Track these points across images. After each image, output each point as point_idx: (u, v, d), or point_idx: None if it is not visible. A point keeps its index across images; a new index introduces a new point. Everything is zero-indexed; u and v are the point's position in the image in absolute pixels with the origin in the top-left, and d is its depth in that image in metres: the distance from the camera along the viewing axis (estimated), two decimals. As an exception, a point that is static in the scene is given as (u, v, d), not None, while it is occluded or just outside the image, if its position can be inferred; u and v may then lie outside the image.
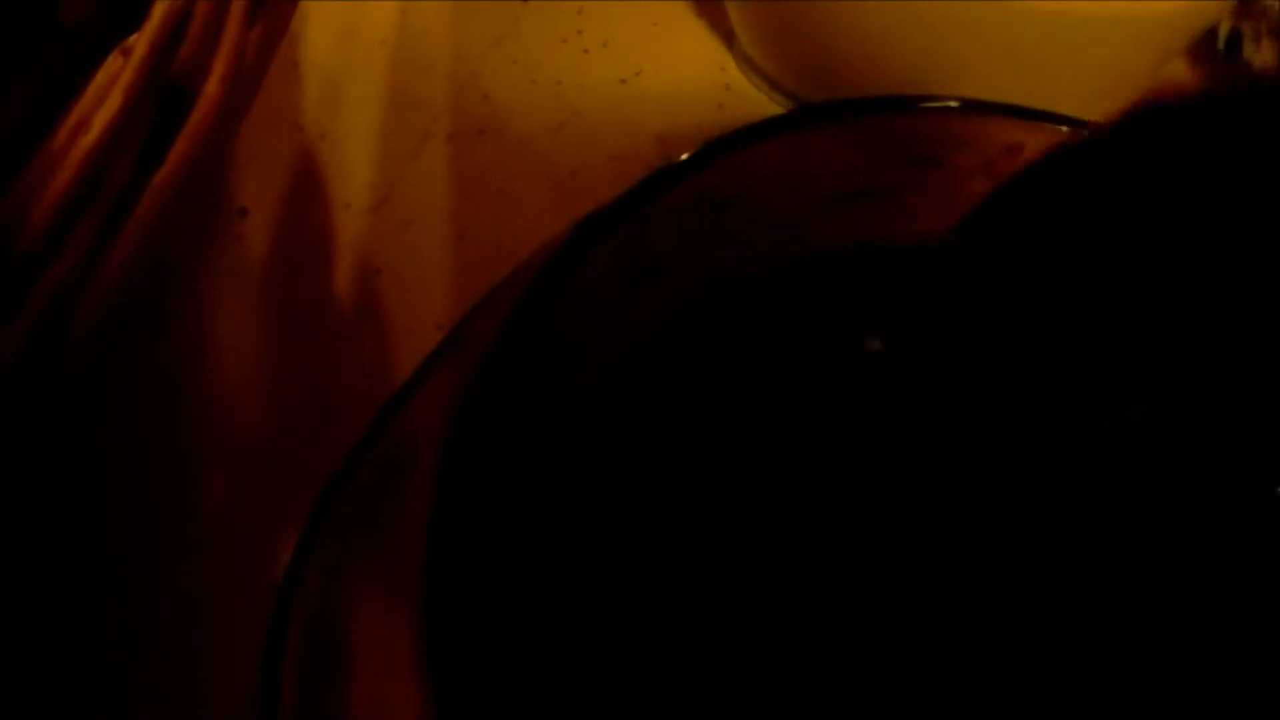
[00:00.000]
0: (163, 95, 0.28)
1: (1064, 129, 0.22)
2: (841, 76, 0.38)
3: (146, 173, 0.28)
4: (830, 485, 0.23)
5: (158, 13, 0.28)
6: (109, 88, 0.27)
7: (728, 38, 0.41)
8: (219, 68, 0.29)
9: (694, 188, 0.21)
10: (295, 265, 0.35)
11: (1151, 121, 0.19)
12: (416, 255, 0.36)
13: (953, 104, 0.22)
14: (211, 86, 0.29)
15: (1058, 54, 0.36)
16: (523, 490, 0.21)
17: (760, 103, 0.40)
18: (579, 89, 0.39)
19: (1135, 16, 0.34)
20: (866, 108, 0.22)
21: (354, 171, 0.36)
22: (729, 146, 0.21)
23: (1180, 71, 0.40)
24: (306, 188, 0.36)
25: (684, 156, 0.21)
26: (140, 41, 0.28)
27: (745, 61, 0.40)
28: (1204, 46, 0.40)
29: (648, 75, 0.40)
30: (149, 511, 0.30)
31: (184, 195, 0.28)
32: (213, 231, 0.34)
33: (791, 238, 0.23)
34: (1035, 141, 0.22)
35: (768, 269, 0.23)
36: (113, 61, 0.28)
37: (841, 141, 0.22)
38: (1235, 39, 0.38)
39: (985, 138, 0.22)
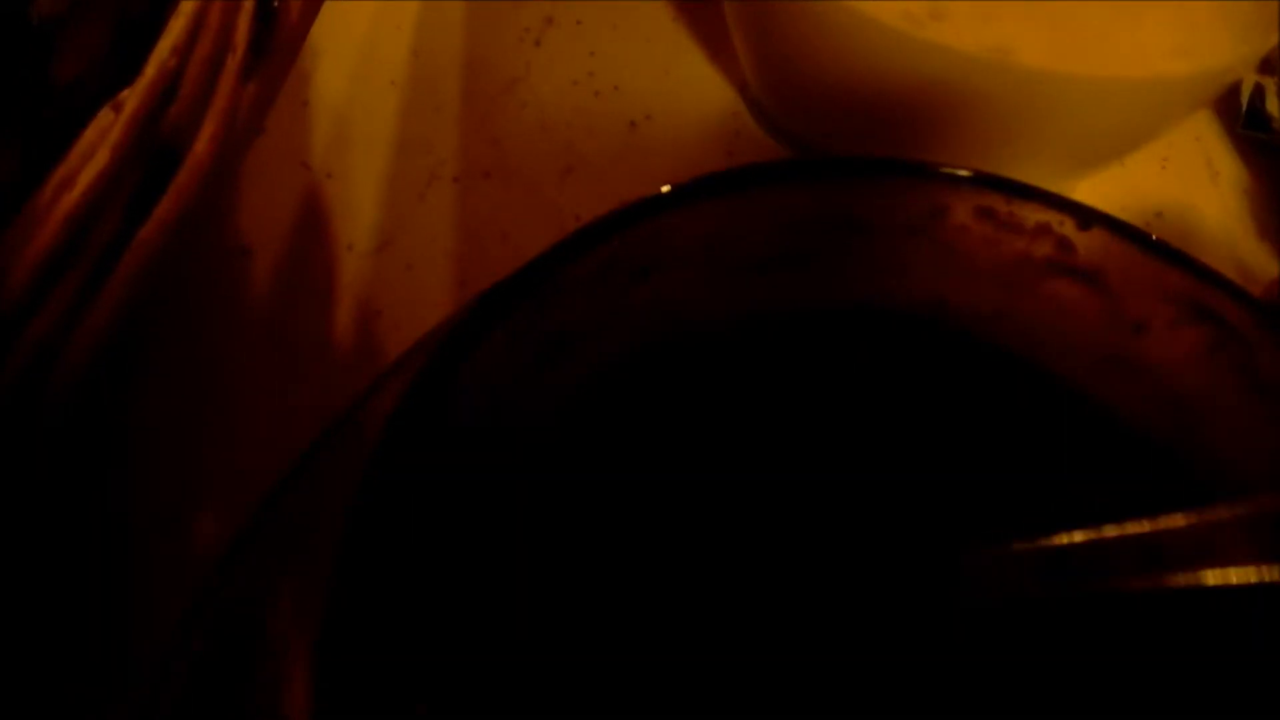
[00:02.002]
0: (151, 154, 0.29)
1: (994, 192, 0.21)
2: (852, 127, 0.38)
3: (131, 231, 0.28)
4: (747, 558, 0.23)
5: (150, 70, 0.29)
6: (98, 144, 0.28)
7: (740, 84, 0.41)
8: (209, 127, 0.30)
9: (608, 255, 0.21)
10: (296, 305, 0.35)
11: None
12: (418, 298, 0.36)
13: (875, 164, 0.21)
14: (200, 146, 0.29)
15: (1071, 116, 0.35)
16: (422, 569, 0.21)
17: (770, 150, 0.40)
18: (588, 133, 0.39)
19: (1154, 81, 0.33)
20: (784, 172, 0.21)
21: (359, 212, 0.37)
22: (642, 213, 0.21)
23: (1202, 126, 0.39)
24: (310, 227, 0.36)
25: (593, 220, 0.21)
26: (131, 99, 0.28)
27: (756, 108, 0.40)
28: (1227, 101, 0.39)
29: (658, 119, 0.40)
30: (140, 553, 0.30)
31: (169, 252, 0.29)
32: (214, 269, 0.35)
33: (715, 305, 0.23)
34: (960, 203, 0.21)
35: (691, 335, 0.23)
36: (104, 116, 0.29)
37: (762, 206, 0.22)
38: (1259, 94, 0.37)
39: (910, 201, 0.22)
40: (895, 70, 0.35)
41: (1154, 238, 0.21)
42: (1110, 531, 0.20)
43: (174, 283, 0.33)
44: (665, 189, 0.21)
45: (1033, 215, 0.21)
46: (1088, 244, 0.21)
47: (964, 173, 0.21)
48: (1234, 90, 0.38)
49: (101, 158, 0.27)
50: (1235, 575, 0.18)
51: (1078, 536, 0.20)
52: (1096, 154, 0.37)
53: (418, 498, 0.19)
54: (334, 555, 0.18)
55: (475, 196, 0.38)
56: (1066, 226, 0.21)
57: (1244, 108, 0.38)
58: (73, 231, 0.26)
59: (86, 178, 0.27)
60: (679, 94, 0.40)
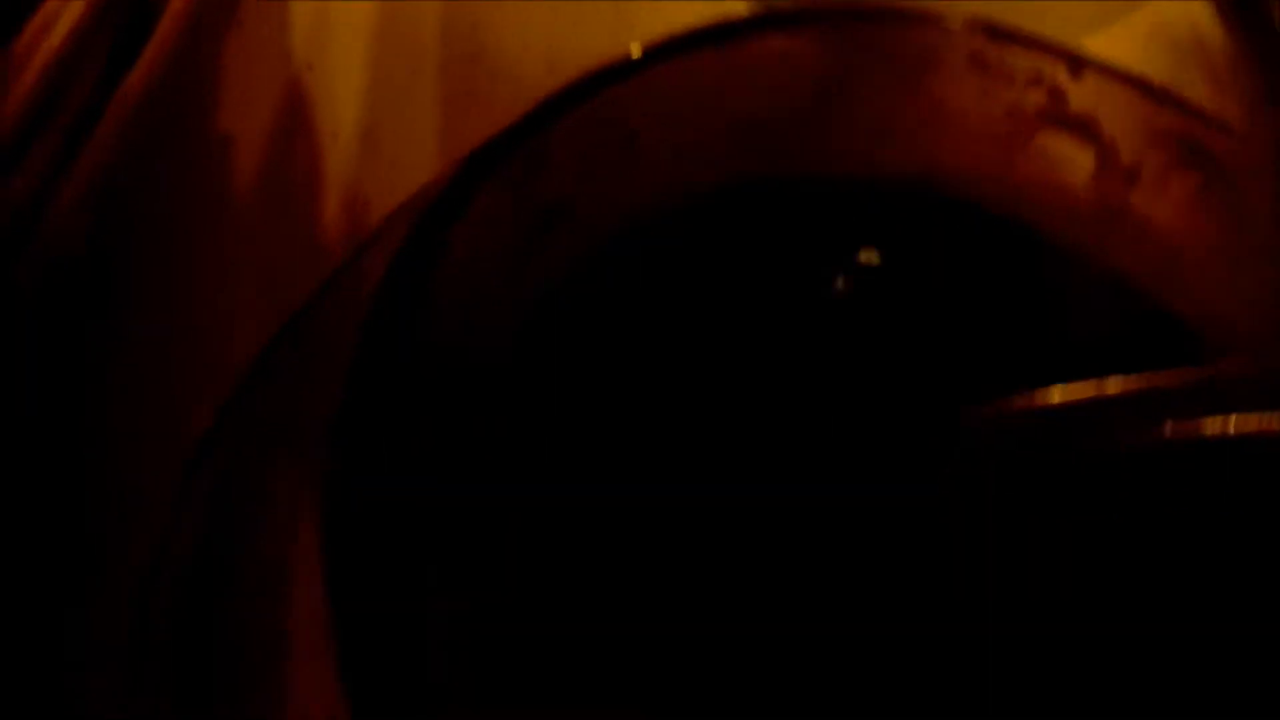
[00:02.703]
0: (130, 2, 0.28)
1: (987, 37, 0.21)
2: None
3: (114, 82, 0.28)
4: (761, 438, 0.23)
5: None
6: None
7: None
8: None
9: (597, 112, 0.21)
10: (281, 197, 0.35)
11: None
12: (404, 187, 0.36)
13: (865, 12, 0.21)
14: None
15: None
16: (419, 439, 0.21)
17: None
18: (573, 19, 0.39)
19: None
20: (769, 22, 0.21)
21: (342, 102, 0.37)
22: (627, 69, 0.21)
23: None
24: (293, 118, 0.36)
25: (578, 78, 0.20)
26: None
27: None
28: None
29: (646, 3, 0.39)
30: (129, 442, 0.30)
31: (156, 111, 0.28)
32: (197, 161, 0.34)
33: (704, 171, 0.23)
34: (951, 51, 0.21)
35: (683, 203, 0.23)
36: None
37: (748, 59, 0.21)
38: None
39: (902, 49, 0.21)
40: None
41: (1144, 80, 0.20)
42: (1110, 387, 0.20)
43: (158, 167, 0.32)
44: (649, 44, 0.21)
45: (1025, 63, 0.21)
46: (1080, 91, 0.21)
47: (955, 17, 0.21)
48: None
49: (78, 4, 0.27)
50: (1235, 427, 0.18)
51: (1076, 393, 0.20)
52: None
53: (414, 357, 0.19)
54: (341, 395, 0.18)
55: (460, 84, 0.37)
56: (1059, 74, 0.21)
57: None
58: (54, 78, 0.26)
59: (67, 21, 0.26)
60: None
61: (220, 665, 0.22)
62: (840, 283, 0.25)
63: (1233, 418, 0.18)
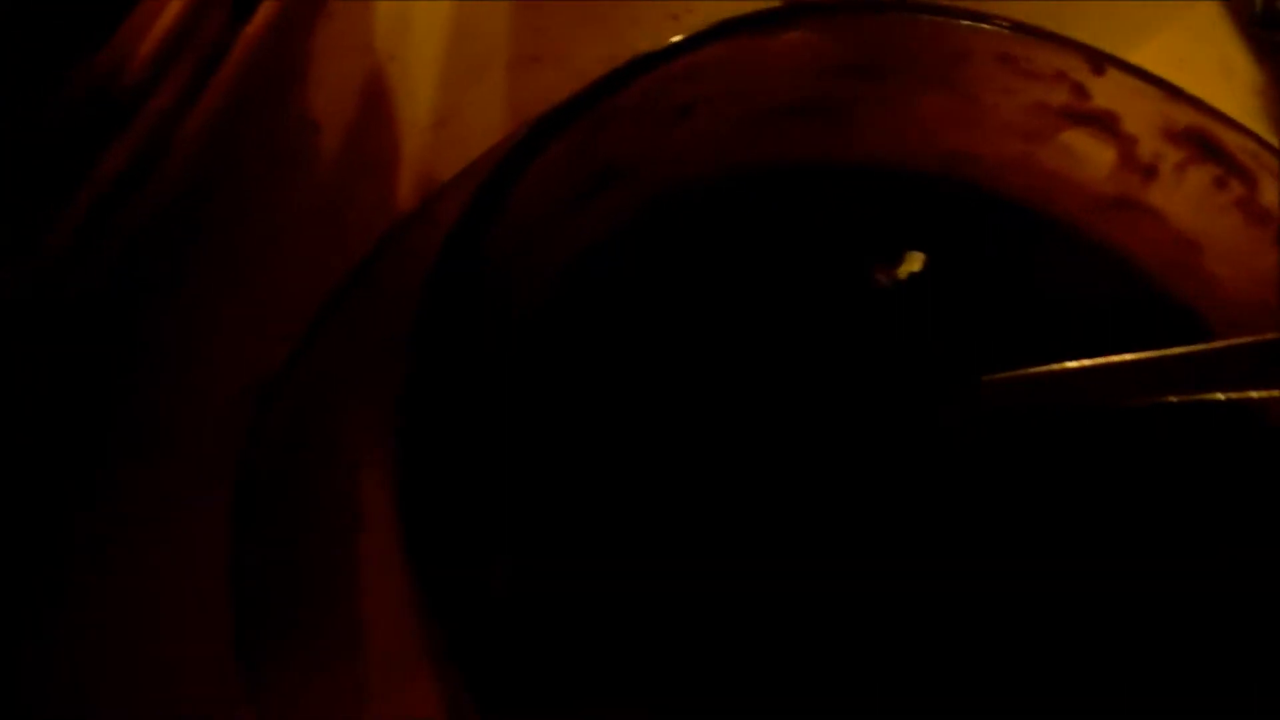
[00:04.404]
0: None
1: (1015, 35, 0.23)
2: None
3: (236, 28, 0.30)
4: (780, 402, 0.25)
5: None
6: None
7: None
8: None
9: (652, 86, 0.23)
10: (362, 178, 0.37)
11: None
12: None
13: (900, 6, 0.23)
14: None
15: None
16: (483, 363, 0.23)
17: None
18: (631, 23, 0.41)
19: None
20: (811, 12, 0.23)
21: (419, 92, 0.39)
22: (680, 49, 0.23)
23: (1218, 25, 0.40)
24: (375, 106, 0.38)
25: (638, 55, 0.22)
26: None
27: None
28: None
29: (699, 9, 0.41)
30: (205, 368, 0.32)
31: (255, 83, 0.31)
32: (287, 144, 0.37)
33: (746, 150, 0.25)
34: (981, 48, 0.23)
35: (726, 178, 0.25)
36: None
37: (789, 47, 0.23)
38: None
39: (933, 45, 0.23)
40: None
41: (1163, 79, 0.22)
42: (1120, 357, 0.21)
43: (252, 141, 0.35)
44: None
45: (1050, 60, 0.23)
46: (1102, 88, 0.23)
47: (986, 16, 0.23)
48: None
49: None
50: (1230, 395, 0.20)
51: (1089, 362, 0.22)
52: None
53: (475, 304, 0.21)
54: (409, 341, 0.20)
55: (525, 79, 0.40)
56: (1082, 71, 0.23)
57: (1259, 7, 0.39)
58: (184, 23, 0.28)
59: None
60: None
61: (297, 595, 0.24)
62: (881, 278, 0.27)
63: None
